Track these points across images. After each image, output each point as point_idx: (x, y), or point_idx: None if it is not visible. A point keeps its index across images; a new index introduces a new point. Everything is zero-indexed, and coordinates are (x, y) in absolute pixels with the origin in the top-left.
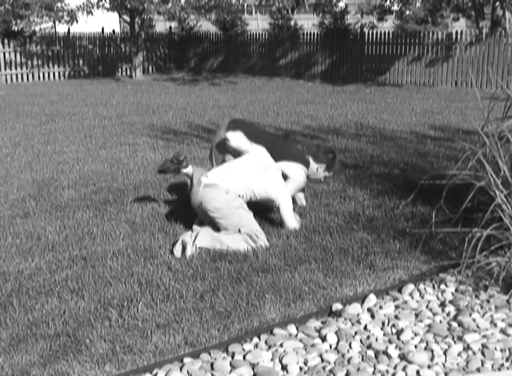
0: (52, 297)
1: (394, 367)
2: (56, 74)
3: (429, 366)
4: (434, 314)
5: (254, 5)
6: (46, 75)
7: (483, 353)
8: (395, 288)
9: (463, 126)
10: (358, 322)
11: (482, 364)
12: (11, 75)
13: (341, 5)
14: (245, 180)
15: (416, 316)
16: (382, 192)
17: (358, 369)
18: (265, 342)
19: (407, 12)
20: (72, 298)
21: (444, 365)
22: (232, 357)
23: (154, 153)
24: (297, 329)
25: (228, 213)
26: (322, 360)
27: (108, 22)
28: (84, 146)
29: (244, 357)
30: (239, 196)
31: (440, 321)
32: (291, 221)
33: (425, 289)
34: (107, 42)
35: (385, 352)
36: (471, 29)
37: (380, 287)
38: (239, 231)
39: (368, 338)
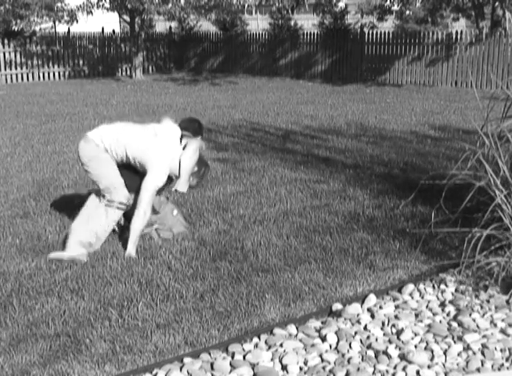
0: (52, 297)
1: (394, 367)
2: (56, 74)
3: (429, 367)
4: (434, 314)
5: (254, 5)
6: (46, 75)
7: (483, 353)
8: (395, 288)
9: (463, 126)
10: (358, 322)
11: (482, 364)
12: (11, 75)
13: (341, 5)
14: (118, 136)
15: (416, 316)
16: (382, 192)
17: (358, 369)
18: (265, 342)
19: (407, 12)
20: (72, 298)
21: (444, 365)
22: (232, 357)
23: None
24: (297, 329)
25: (89, 163)
26: (322, 360)
27: (108, 22)
28: None
29: (244, 357)
30: (106, 151)
31: (440, 321)
32: (143, 206)
33: (425, 289)
34: (107, 42)
35: (385, 352)
36: (471, 29)
37: (380, 287)
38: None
39: (368, 338)
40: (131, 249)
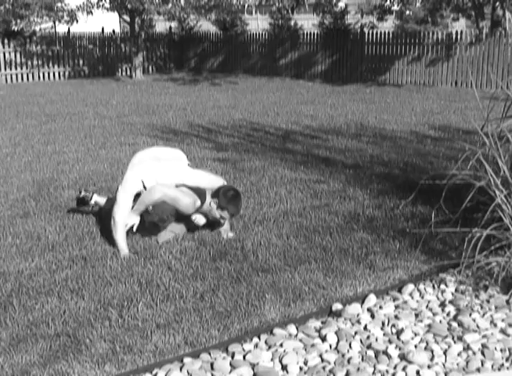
0: (52, 297)
1: (394, 367)
2: (56, 74)
3: (429, 366)
4: (434, 314)
5: (254, 5)
6: (46, 75)
7: (483, 353)
8: (395, 288)
9: (463, 126)
10: (358, 322)
11: (482, 364)
12: (11, 75)
13: (341, 5)
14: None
15: (416, 316)
16: (382, 192)
17: (358, 369)
18: (265, 342)
19: (407, 12)
20: (72, 298)
21: (444, 365)
22: (232, 357)
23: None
24: (297, 329)
25: None
26: (322, 360)
27: (108, 22)
28: (84, 146)
29: (244, 357)
30: None
31: (440, 321)
32: (112, 216)
33: (425, 289)
34: (107, 42)
35: (385, 352)
36: (471, 29)
37: (380, 287)
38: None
39: (368, 338)
40: (121, 250)
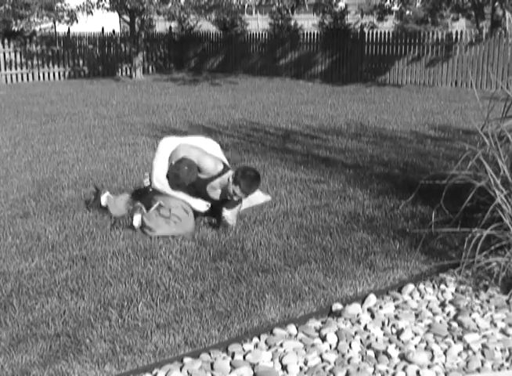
0: (52, 297)
1: (394, 367)
2: (56, 74)
3: (429, 367)
4: (434, 314)
5: (254, 5)
6: (46, 75)
7: (483, 353)
8: (395, 288)
9: (463, 126)
10: (358, 322)
11: (482, 364)
12: (11, 75)
13: (341, 5)
14: None
15: (416, 316)
16: (382, 192)
17: (358, 369)
18: (265, 342)
19: (407, 12)
20: (72, 298)
21: (444, 365)
22: (232, 357)
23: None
24: (297, 329)
25: None
26: (322, 360)
27: (108, 22)
28: (84, 146)
29: (244, 357)
30: None
31: (440, 321)
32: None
33: (425, 289)
34: (107, 42)
35: (385, 352)
36: (471, 29)
37: (380, 287)
38: None
39: (368, 338)
40: (196, 207)
